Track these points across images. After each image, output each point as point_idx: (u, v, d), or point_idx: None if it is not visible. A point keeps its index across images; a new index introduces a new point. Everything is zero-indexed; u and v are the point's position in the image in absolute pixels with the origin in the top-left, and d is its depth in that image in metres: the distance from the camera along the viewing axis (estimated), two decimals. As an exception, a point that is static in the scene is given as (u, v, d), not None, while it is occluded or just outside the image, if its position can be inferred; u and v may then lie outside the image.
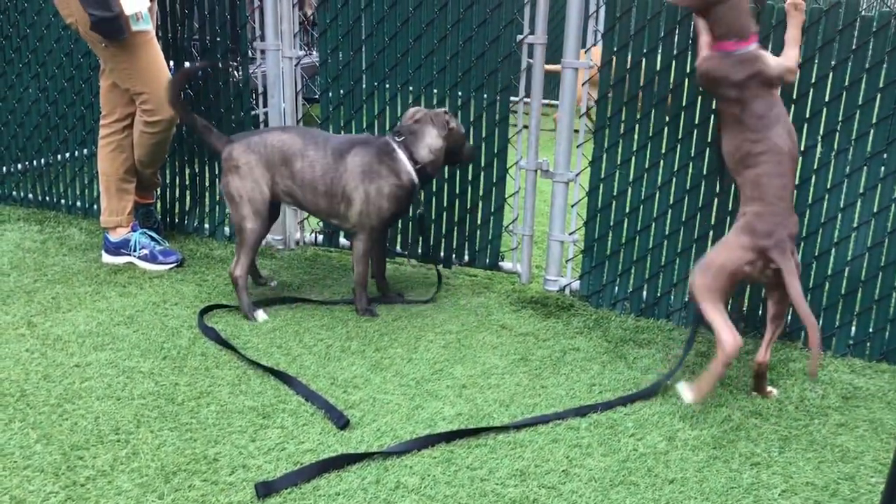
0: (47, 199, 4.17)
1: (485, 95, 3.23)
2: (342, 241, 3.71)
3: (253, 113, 3.65)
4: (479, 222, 3.40)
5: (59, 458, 2.14)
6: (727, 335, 2.42)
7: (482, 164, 3.32)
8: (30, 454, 2.15)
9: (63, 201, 4.12)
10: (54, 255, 3.56)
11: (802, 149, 2.76)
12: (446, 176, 3.38)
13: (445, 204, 3.42)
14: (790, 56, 2.53)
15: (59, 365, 2.62)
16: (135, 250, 3.47)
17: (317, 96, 3.57)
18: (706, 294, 2.47)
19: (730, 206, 2.92)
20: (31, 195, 4.19)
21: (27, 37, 3.88)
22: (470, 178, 3.35)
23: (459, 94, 3.27)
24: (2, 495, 1.98)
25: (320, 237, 3.77)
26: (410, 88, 3.34)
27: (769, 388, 2.60)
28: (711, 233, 2.97)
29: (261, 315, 3.01)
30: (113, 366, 2.62)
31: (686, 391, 2.47)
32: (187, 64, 3.63)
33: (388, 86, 3.37)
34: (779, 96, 2.50)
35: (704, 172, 2.94)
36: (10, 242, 3.70)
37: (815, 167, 2.79)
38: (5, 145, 4.14)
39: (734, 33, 2.45)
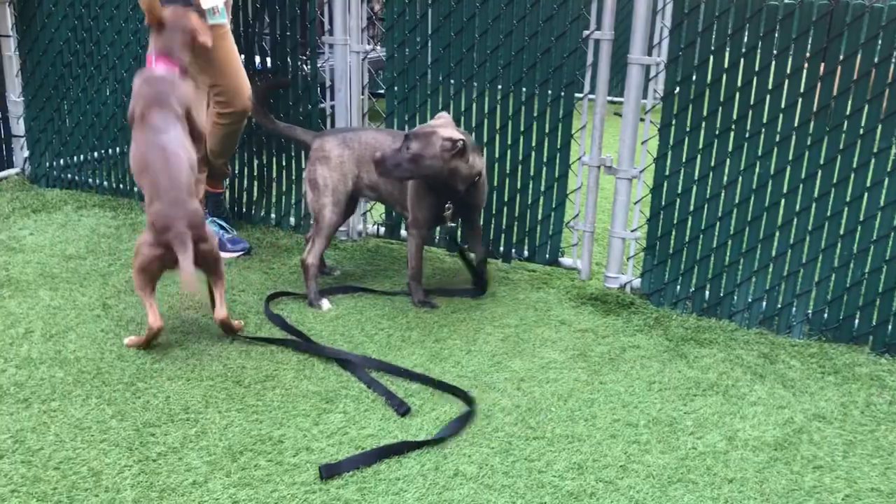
0: (121, 186, 4.33)
1: (549, 91, 3.24)
2: (403, 233, 3.77)
3: (321, 106, 3.72)
4: (539, 218, 3.41)
5: (132, 433, 2.23)
6: (152, 318, 2.67)
7: (545, 160, 3.33)
8: (106, 429, 2.25)
9: (136, 189, 4.27)
10: (127, 240, 3.69)
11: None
12: (508, 171, 3.40)
13: (507, 198, 3.44)
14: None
15: (133, 345, 2.73)
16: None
17: (382, 91, 3.62)
18: (137, 282, 2.69)
19: (797, 206, 2.88)
20: (106, 182, 4.35)
21: (105, 30, 4.03)
22: (532, 173, 3.36)
23: (524, 89, 3.28)
24: (80, 466, 2.08)
25: (382, 229, 3.83)
26: (475, 83, 3.36)
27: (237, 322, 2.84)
28: (777, 233, 2.93)
29: (325, 304, 3.09)
30: (182, 348, 2.72)
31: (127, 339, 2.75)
32: (258, 59, 3.72)
33: (452, 81, 3.40)
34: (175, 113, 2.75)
35: (771, 172, 2.90)
36: (87, 227, 3.85)
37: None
38: (83, 134, 4.30)
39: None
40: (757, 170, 2.92)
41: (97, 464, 2.10)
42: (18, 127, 4.52)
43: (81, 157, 4.38)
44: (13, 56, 4.37)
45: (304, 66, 3.68)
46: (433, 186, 3.00)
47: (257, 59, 3.73)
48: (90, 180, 4.40)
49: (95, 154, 4.35)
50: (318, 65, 3.65)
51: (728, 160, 2.96)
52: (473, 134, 3.41)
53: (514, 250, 3.52)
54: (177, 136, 2.73)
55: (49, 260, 3.43)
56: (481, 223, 3.34)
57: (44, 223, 3.89)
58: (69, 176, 4.43)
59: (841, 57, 2.72)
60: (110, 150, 4.28)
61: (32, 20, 4.20)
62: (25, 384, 2.46)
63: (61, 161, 4.41)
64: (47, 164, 4.45)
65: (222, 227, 3.63)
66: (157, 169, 2.67)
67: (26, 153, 4.54)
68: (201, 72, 3.38)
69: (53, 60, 4.21)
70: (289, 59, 3.66)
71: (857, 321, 2.89)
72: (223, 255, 3.53)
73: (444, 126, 2.94)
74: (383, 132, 3.21)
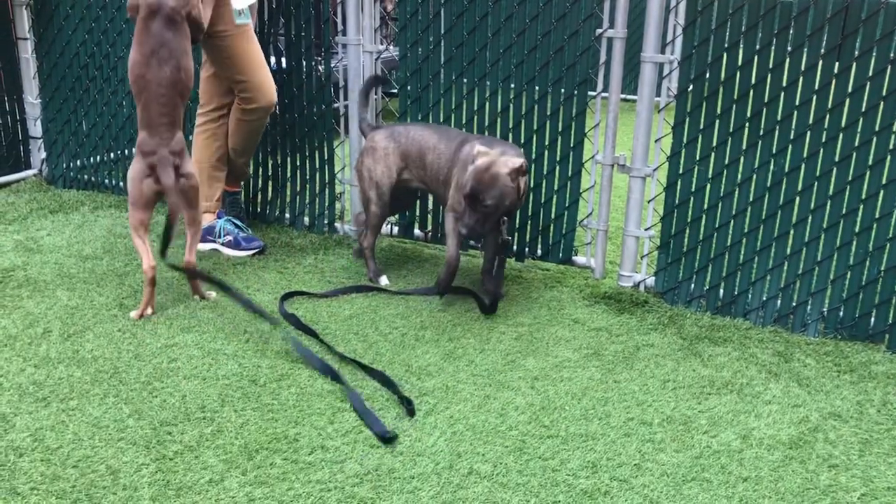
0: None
1: (562, 89, 3.24)
2: (416, 232, 3.78)
3: (334, 106, 3.74)
4: (553, 216, 3.42)
5: (149, 432, 2.26)
6: (146, 261, 2.92)
7: (558, 158, 3.33)
8: (123, 427, 2.27)
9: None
10: (144, 240, 3.72)
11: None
12: (522, 170, 3.40)
13: (520, 197, 3.45)
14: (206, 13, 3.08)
15: (149, 345, 2.75)
16: (219, 237, 3.60)
17: (395, 90, 3.64)
18: (132, 220, 2.94)
19: (812, 203, 2.87)
20: (122, 183, 4.39)
21: (121, 32, 4.06)
22: (545, 171, 3.37)
23: (537, 87, 3.28)
24: (98, 464, 2.10)
25: (395, 229, 3.84)
26: (488, 82, 3.37)
27: (207, 292, 3.09)
28: (792, 231, 2.92)
29: (384, 280, 3.33)
30: (199, 347, 2.74)
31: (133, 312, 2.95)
32: (273, 59, 3.74)
33: (465, 80, 3.41)
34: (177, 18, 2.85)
35: (786, 170, 2.89)
36: (103, 228, 3.89)
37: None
38: (99, 136, 4.34)
39: None
40: (771, 167, 2.91)
41: (115, 462, 2.12)
42: (36, 129, 4.56)
43: (98, 158, 4.42)
44: (30, 58, 4.41)
45: (318, 66, 3.70)
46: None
47: (272, 59, 3.74)
48: (106, 181, 4.44)
49: (111, 155, 4.38)
50: (332, 65, 3.67)
51: (742, 158, 2.95)
52: (486, 133, 3.42)
53: (527, 249, 3.52)
54: (175, 53, 2.86)
55: (66, 260, 3.47)
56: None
57: (61, 224, 3.93)
58: (86, 177, 4.47)
59: (856, 54, 2.70)
60: (126, 151, 4.31)
61: (50, 22, 4.24)
62: (44, 383, 2.49)
63: (78, 162, 4.45)
64: (64, 165, 4.49)
65: (237, 226, 3.65)
66: (151, 97, 2.86)
67: (43, 154, 4.59)
68: (227, 68, 3.42)
69: (70, 62, 4.25)
70: (303, 60, 3.68)
71: (872, 319, 2.87)
72: (237, 253, 3.57)
73: (494, 161, 2.83)
74: (430, 128, 3.25)
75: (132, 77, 2.90)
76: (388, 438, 2.24)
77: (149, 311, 2.95)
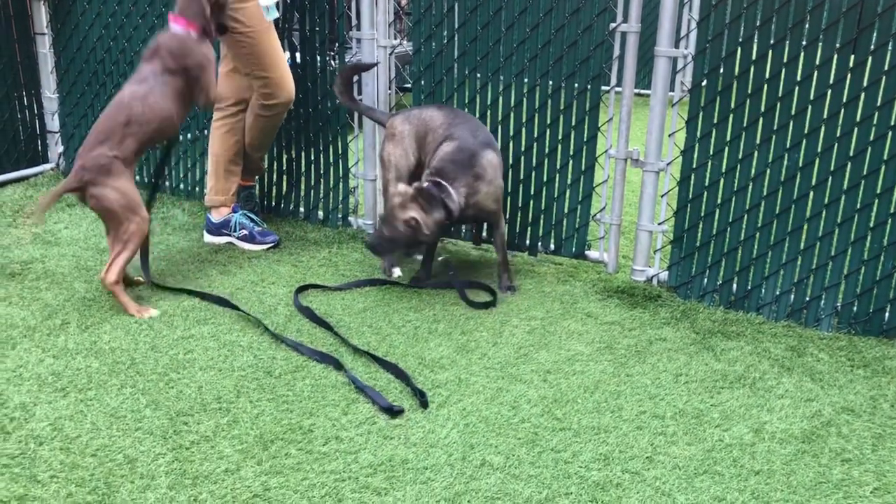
0: (152, 181, 4.38)
1: (576, 84, 3.25)
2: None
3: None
4: (566, 210, 3.42)
5: (166, 422, 2.29)
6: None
7: (571, 153, 3.33)
8: (140, 417, 2.30)
9: (167, 183, 4.34)
10: (159, 234, 3.76)
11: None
12: (535, 163, 3.41)
13: (533, 191, 3.45)
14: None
15: (165, 337, 2.78)
16: (235, 231, 3.63)
17: (409, 85, 3.65)
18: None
19: (826, 198, 2.86)
20: (137, 177, 4.41)
21: (138, 27, 4.09)
22: (558, 166, 3.37)
23: (550, 82, 3.29)
24: (116, 453, 2.14)
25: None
26: (501, 77, 3.38)
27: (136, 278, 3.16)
28: (806, 226, 2.92)
29: (396, 271, 3.37)
30: (214, 339, 2.77)
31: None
32: (287, 54, 3.76)
33: (479, 74, 3.42)
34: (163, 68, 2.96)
35: (800, 164, 2.88)
36: (120, 221, 3.92)
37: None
38: (116, 130, 4.37)
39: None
40: (785, 162, 2.90)
41: (132, 451, 2.15)
42: (53, 123, 4.60)
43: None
44: (48, 53, 4.45)
45: (333, 60, 3.72)
46: None
47: (287, 54, 3.76)
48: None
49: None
50: (346, 59, 3.68)
51: (756, 152, 2.95)
52: (500, 127, 3.43)
53: (540, 243, 3.53)
54: (145, 90, 2.94)
55: (84, 253, 3.51)
56: (502, 229, 3.30)
57: (78, 217, 3.97)
58: (102, 171, 4.50)
59: (871, 48, 2.69)
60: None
61: (67, 18, 4.28)
62: (63, 374, 2.52)
63: (95, 156, 4.48)
64: (81, 159, 4.53)
65: (252, 220, 3.68)
66: (104, 114, 2.96)
67: (61, 149, 4.63)
68: (248, 64, 3.44)
69: (87, 57, 4.29)
70: (317, 54, 3.70)
71: (887, 314, 2.87)
72: (252, 247, 3.60)
73: (399, 205, 3.01)
74: (442, 109, 3.30)
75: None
76: (394, 411, 2.33)
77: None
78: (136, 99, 2.93)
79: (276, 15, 3.42)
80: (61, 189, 2.90)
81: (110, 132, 2.92)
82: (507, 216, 3.51)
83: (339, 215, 3.92)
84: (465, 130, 3.14)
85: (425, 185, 3.02)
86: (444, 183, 3.02)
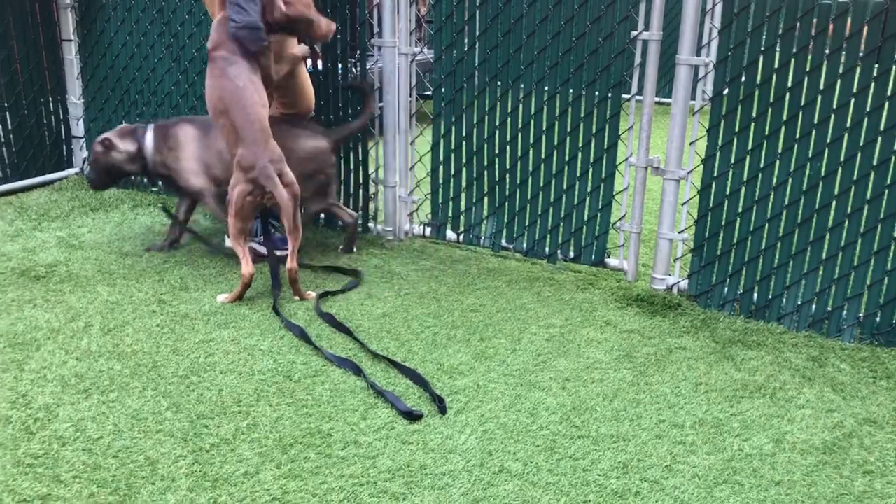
0: (175, 186, 4.44)
1: (596, 92, 3.25)
2: (449, 234, 3.80)
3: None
4: (586, 218, 3.42)
5: (187, 425, 2.31)
6: (245, 267, 3.05)
7: (592, 160, 3.33)
8: (161, 420, 2.33)
9: (190, 189, 4.38)
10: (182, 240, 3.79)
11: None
12: (555, 171, 3.41)
13: (553, 199, 3.46)
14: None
15: (186, 340, 2.80)
16: (255, 236, 3.66)
17: (430, 92, 3.67)
18: (232, 229, 3.07)
19: (849, 208, 2.84)
20: (160, 182, 4.46)
21: (162, 34, 4.14)
22: (579, 173, 3.37)
23: (571, 90, 3.29)
24: (137, 455, 2.16)
25: (428, 229, 3.86)
26: (522, 85, 3.38)
27: (308, 292, 3.16)
28: (828, 235, 2.90)
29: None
30: (235, 343, 2.79)
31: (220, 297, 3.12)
32: (309, 61, 3.79)
33: (499, 82, 3.43)
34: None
35: (822, 174, 2.86)
36: (142, 226, 3.97)
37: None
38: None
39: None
40: (807, 171, 2.89)
41: (153, 453, 2.17)
42: (78, 128, 4.67)
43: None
44: (74, 59, 4.52)
45: (354, 68, 3.75)
46: None
47: (308, 61, 3.79)
48: (145, 180, 4.53)
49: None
50: (367, 67, 3.71)
51: (778, 161, 2.94)
52: (520, 134, 3.43)
53: (559, 251, 3.53)
54: (242, 72, 2.98)
55: (107, 257, 3.55)
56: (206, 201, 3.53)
57: (101, 221, 4.02)
58: (126, 176, 4.56)
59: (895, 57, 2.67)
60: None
61: (93, 24, 4.34)
62: (85, 376, 2.55)
63: (118, 161, 4.54)
64: (105, 164, 4.58)
65: (273, 226, 3.70)
66: (234, 112, 2.95)
67: (85, 154, 4.69)
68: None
69: (112, 63, 4.35)
70: (339, 62, 3.72)
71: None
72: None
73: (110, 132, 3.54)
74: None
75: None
76: (414, 415, 2.34)
77: (229, 299, 3.11)
78: (249, 82, 3.03)
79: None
80: (280, 191, 2.98)
81: (261, 121, 3.03)
82: (527, 223, 3.51)
83: (359, 221, 3.93)
84: (195, 120, 3.51)
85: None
86: (146, 128, 3.50)
